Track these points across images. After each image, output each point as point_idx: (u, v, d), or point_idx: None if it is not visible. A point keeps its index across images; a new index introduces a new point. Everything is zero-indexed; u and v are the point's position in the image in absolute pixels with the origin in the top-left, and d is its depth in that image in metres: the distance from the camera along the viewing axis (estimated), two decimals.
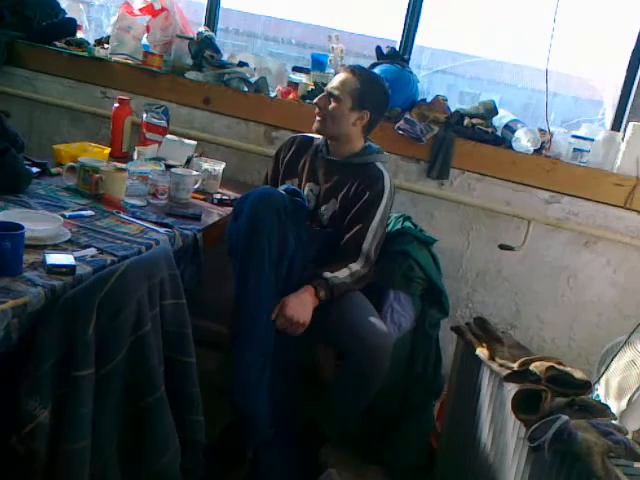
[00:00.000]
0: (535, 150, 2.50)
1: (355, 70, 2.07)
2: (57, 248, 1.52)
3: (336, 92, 2.03)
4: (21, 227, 1.37)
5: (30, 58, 2.96)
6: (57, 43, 2.95)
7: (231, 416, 1.93)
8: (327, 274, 1.89)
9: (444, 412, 2.14)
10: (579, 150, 2.47)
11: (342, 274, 1.91)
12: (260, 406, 1.78)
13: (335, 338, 1.85)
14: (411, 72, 2.71)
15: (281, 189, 2.03)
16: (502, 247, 2.54)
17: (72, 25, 3.05)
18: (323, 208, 2.08)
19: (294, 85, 2.77)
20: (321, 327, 1.85)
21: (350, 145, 2.10)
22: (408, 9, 2.80)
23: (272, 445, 1.80)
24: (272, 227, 1.82)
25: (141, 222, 1.83)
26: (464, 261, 2.64)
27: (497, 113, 2.61)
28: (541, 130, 2.55)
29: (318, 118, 2.08)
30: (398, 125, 2.54)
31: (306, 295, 1.84)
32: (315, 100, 2.10)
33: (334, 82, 2.07)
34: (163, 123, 2.51)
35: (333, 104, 2.03)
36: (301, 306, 1.81)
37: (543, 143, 2.53)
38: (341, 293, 1.90)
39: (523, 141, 2.49)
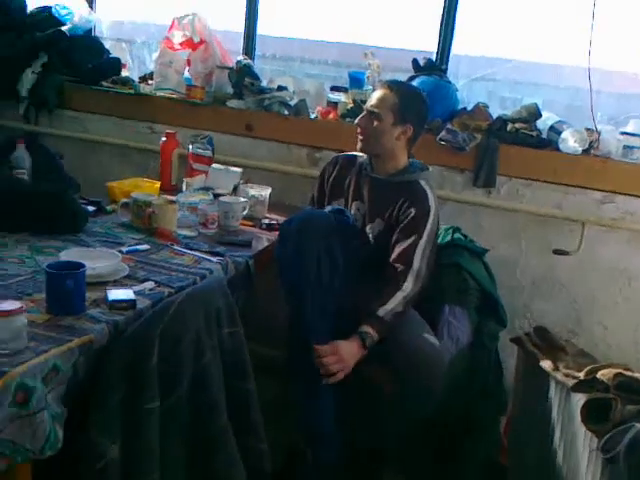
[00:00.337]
0: (583, 150, 2.45)
1: (392, 85, 2.07)
2: (117, 283, 1.57)
3: (376, 110, 2.02)
4: (82, 266, 1.41)
5: (79, 100, 3.08)
6: (104, 83, 3.06)
7: (294, 442, 1.94)
8: (381, 310, 1.85)
9: (510, 427, 2.09)
10: (629, 147, 2.41)
11: (395, 301, 1.88)
12: (327, 431, 1.78)
13: (388, 356, 1.84)
14: (449, 82, 2.70)
15: (327, 210, 2.04)
16: (556, 252, 2.47)
17: (117, 64, 3.16)
18: (369, 227, 2.08)
19: (333, 105, 2.79)
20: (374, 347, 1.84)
21: (394, 161, 2.09)
22: (442, 19, 2.79)
23: (335, 469, 1.80)
24: (320, 248, 1.83)
25: (194, 252, 1.87)
26: (518, 269, 2.58)
27: (540, 116, 2.57)
28: (588, 129, 2.49)
29: (360, 137, 2.07)
30: (440, 136, 2.53)
31: (353, 346, 1.80)
32: (356, 121, 2.09)
33: (373, 100, 2.06)
34: (208, 153, 2.57)
35: (375, 122, 2.02)
36: (347, 356, 1.79)
37: (591, 142, 2.47)
38: (396, 322, 1.87)
39: (570, 142, 2.44)
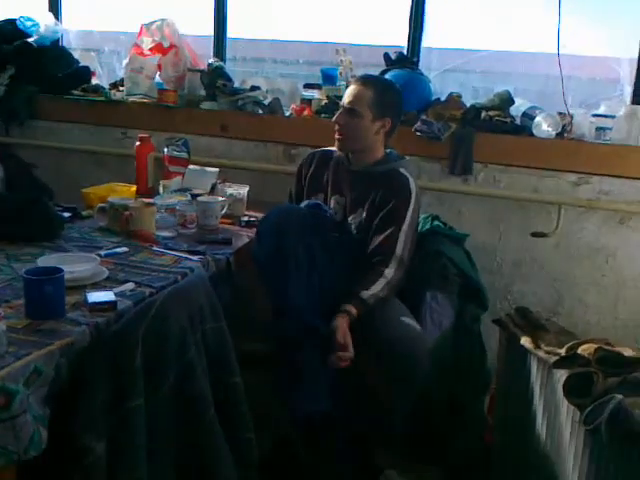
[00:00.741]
0: (557, 134, 2.47)
1: (366, 81, 2.07)
2: (97, 286, 1.56)
3: (355, 106, 2.02)
4: (60, 270, 1.41)
5: (51, 109, 3.07)
6: (74, 92, 3.04)
7: (281, 431, 1.95)
8: (364, 293, 1.87)
9: (494, 406, 2.12)
10: (601, 128, 2.44)
11: (378, 286, 1.89)
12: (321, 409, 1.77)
13: (370, 343, 1.85)
14: (422, 74, 2.72)
15: (302, 205, 2.05)
16: (535, 235, 2.50)
17: (86, 73, 3.15)
18: (351, 218, 2.09)
19: (307, 102, 2.80)
20: (356, 335, 1.85)
21: (372, 154, 2.10)
22: (411, 12, 2.82)
23: (327, 450, 1.80)
24: (297, 242, 1.83)
25: (174, 252, 1.87)
26: (498, 253, 2.61)
27: (513, 103, 2.59)
28: (560, 114, 2.52)
29: (339, 136, 2.07)
30: (415, 127, 2.54)
31: (342, 322, 1.81)
32: (334, 119, 2.08)
33: (349, 97, 2.05)
34: (184, 155, 2.57)
35: (355, 119, 2.02)
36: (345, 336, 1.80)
37: (564, 126, 2.50)
38: (377, 305, 1.89)
39: (544, 126, 2.47)
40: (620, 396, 1.39)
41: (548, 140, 2.47)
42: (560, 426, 1.61)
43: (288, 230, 1.84)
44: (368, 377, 1.83)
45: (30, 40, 3.12)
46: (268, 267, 1.85)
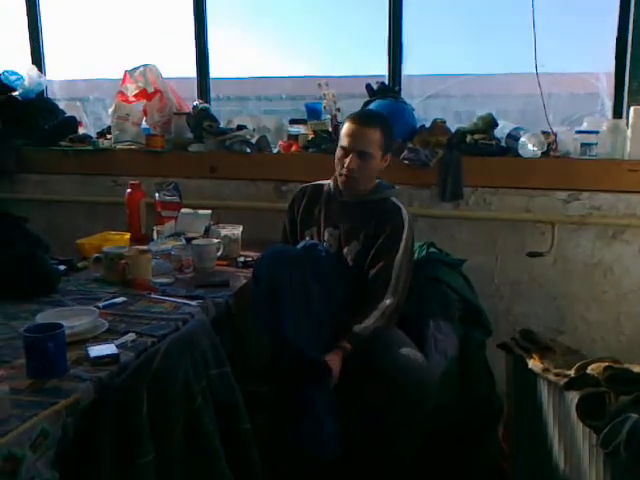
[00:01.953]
0: (543, 153, 2.50)
1: (371, 121, 2.05)
2: (97, 339, 1.54)
3: (367, 149, 2.01)
4: (60, 326, 1.39)
5: (39, 162, 3.06)
6: (62, 143, 3.05)
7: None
8: (357, 327, 1.89)
9: (508, 432, 2.09)
10: (586, 144, 2.47)
11: (372, 319, 1.91)
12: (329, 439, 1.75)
13: (372, 376, 1.84)
14: (405, 102, 2.75)
15: (299, 246, 2.06)
16: (531, 254, 2.51)
17: (73, 123, 3.16)
18: (346, 250, 2.10)
19: (294, 137, 2.82)
20: (358, 367, 1.85)
21: (367, 186, 2.12)
22: (389, 42, 2.86)
23: None
24: (292, 280, 1.84)
25: (173, 299, 1.85)
26: (496, 276, 2.61)
27: (497, 125, 2.62)
28: (544, 132, 2.56)
29: (347, 179, 2.04)
30: (403, 156, 2.56)
31: (335, 358, 1.84)
32: (346, 164, 2.02)
33: (358, 139, 2.00)
34: (176, 199, 2.56)
35: (367, 161, 2.02)
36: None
37: (549, 144, 2.53)
38: (374, 335, 1.90)
39: (529, 146, 2.50)
40: (636, 415, 1.38)
41: (534, 159, 2.49)
42: (577, 449, 1.59)
43: (283, 270, 1.84)
44: (374, 411, 1.81)
45: (15, 94, 3.14)
46: (265, 307, 1.84)
